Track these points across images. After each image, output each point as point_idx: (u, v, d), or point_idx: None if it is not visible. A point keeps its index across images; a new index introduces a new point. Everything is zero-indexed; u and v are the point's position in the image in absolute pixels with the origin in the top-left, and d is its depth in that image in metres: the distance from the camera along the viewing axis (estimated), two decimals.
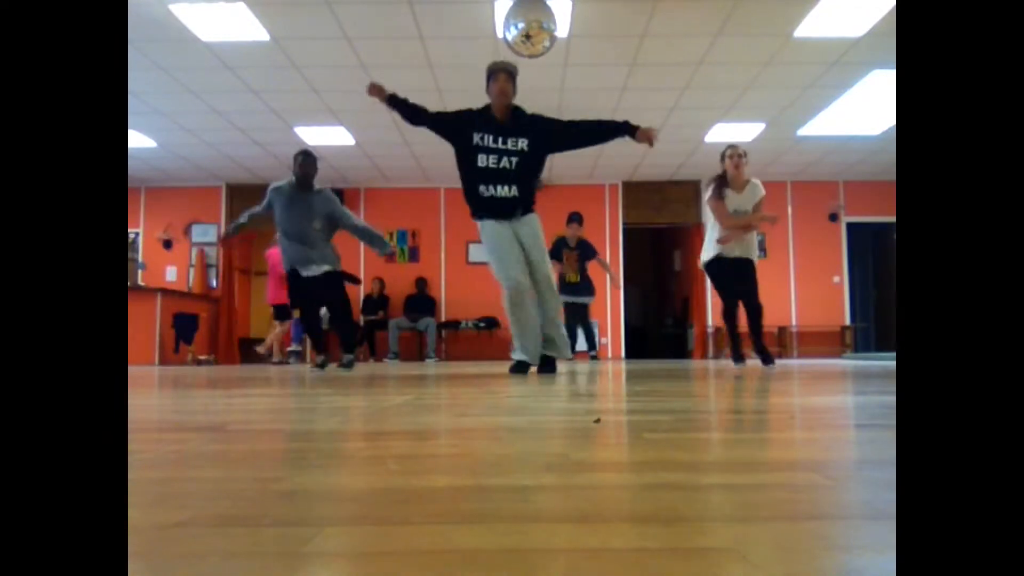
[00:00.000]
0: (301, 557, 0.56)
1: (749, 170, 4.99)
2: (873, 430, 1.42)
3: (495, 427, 1.45)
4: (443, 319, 10.31)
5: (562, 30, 5.63)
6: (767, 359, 4.88)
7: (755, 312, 4.92)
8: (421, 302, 10.03)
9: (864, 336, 11.22)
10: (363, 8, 5.45)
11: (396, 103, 4.09)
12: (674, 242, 12.10)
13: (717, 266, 4.95)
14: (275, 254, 8.58)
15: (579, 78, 6.81)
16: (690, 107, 7.61)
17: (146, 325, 8.56)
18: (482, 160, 3.93)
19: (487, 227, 4.03)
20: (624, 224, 10.60)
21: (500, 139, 3.93)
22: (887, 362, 6.60)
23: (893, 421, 1.51)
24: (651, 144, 3.98)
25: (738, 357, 5.06)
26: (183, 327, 9.18)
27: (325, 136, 8.45)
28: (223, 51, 6.16)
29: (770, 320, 10.35)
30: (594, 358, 7.86)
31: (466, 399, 2.26)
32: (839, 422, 1.60)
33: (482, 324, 10.15)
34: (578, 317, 7.67)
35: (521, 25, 4.73)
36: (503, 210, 3.98)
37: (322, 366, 5.32)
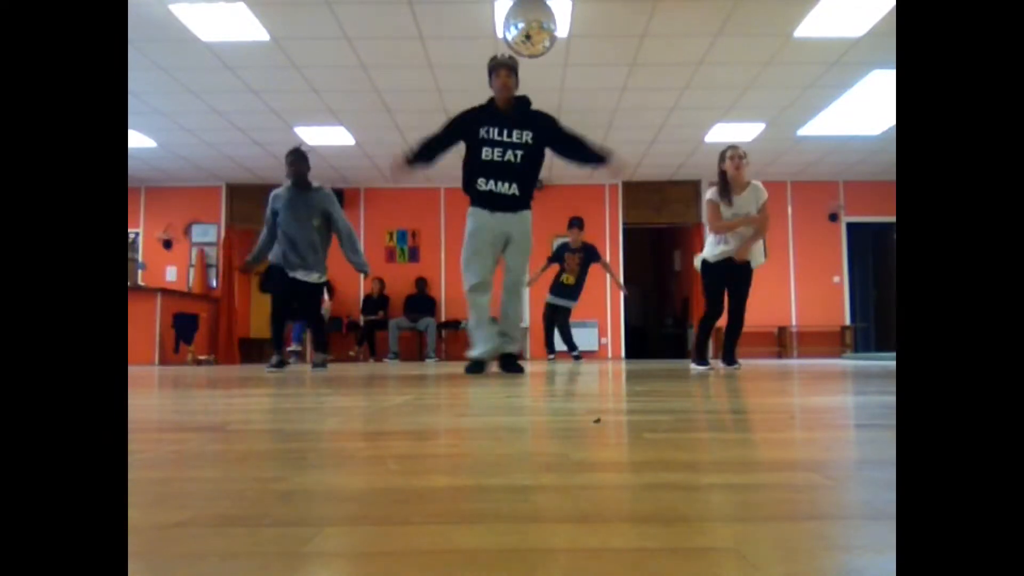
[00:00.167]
0: (301, 557, 0.56)
1: (749, 171, 4.97)
2: (873, 430, 1.42)
3: (495, 427, 1.45)
4: (443, 319, 10.31)
5: (562, 30, 5.63)
6: (732, 362, 4.89)
7: (737, 320, 4.90)
8: (421, 302, 10.03)
9: (864, 336, 11.22)
10: (363, 8, 5.45)
11: (415, 158, 4.12)
12: (674, 242, 12.11)
13: (714, 269, 4.92)
14: None
15: (579, 78, 6.81)
16: (690, 107, 7.61)
17: (146, 325, 8.56)
18: (486, 153, 3.93)
19: (476, 215, 4.02)
20: (624, 224, 10.60)
21: (505, 131, 3.93)
22: (887, 362, 6.60)
23: (893, 421, 1.51)
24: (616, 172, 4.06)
25: (702, 360, 4.98)
26: (183, 327, 9.18)
27: (325, 136, 8.45)
28: (223, 51, 6.16)
29: (770, 320, 10.43)
30: (577, 358, 7.79)
31: (466, 399, 2.26)
32: (839, 422, 1.60)
33: None
34: (557, 320, 7.69)
35: (521, 25, 4.73)
36: (499, 204, 3.98)
37: (280, 365, 5.26)
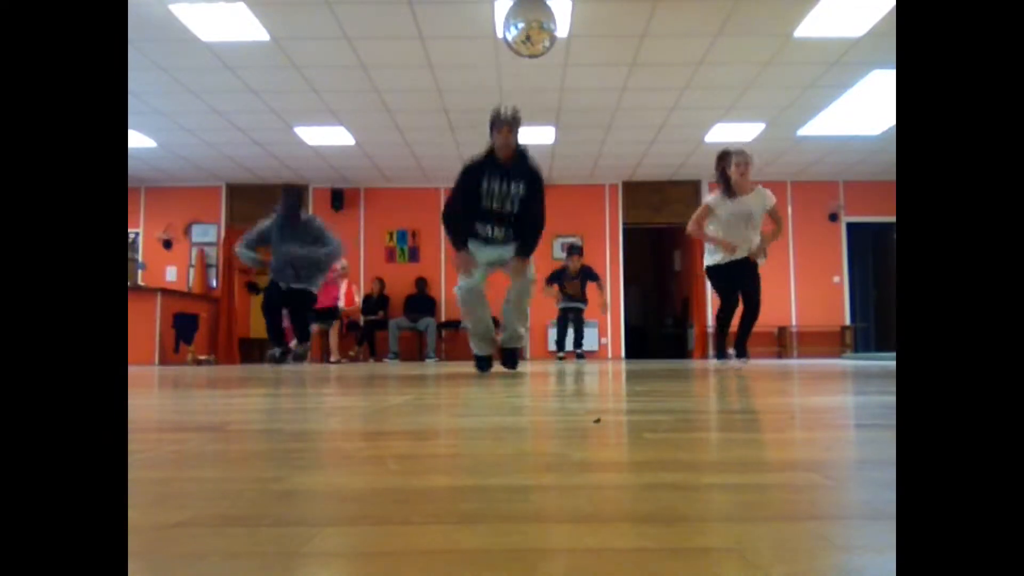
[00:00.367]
0: (301, 557, 0.56)
1: (751, 171, 5.00)
2: (873, 430, 1.42)
3: (495, 427, 1.45)
4: (443, 319, 10.31)
5: (562, 30, 5.63)
6: (743, 354, 4.92)
7: (753, 312, 4.94)
8: (421, 302, 10.02)
9: (864, 336, 11.22)
10: (363, 8, 5.45)
11: (456, 236, 4.23)
12: (674, 242, 12.10)
13: (718, 271, 4.97)
14: None
15: (579, 78, 6.81)
16: (690, 107, 7.61)
17: (146, 325, 8.56)
18: (487, 202, 4.11)
19: (471, 247, 4.17)
20: (624, 224, 10.60)
21: (505, 184, 4.11)
22: (887, 362, 6.60)
23: (893, 421, 1.50)
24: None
25: (723, 354, 5.07)
26: (183, 327, 9.18)
27: (325, 136, 8.45)
28: (223, 51, 6.16)
29: (770, 320, 10.41)
30: (580, 356, 8.31)
31: (466, 399, 2.26)
32: (839, 422, 1.60)
33: None
34: (572, 321, 8.28)
35: (521, 25, 4.73)
36: (492, 242, 4.19)
37: (281, 358, 5.65)
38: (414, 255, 10.58)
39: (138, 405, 2.15)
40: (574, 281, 8.17)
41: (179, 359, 9.02)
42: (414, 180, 10.44)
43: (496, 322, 4.46)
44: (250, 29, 5.73)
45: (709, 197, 4.98)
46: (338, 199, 10.52)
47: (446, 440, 1.30)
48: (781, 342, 10.25)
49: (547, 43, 4.85)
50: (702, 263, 5.29)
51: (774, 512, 0.70)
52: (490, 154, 4.17)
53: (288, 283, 5.56)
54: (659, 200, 10.60)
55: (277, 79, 6.77)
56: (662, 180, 10.50)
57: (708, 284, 5.20)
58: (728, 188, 4.83)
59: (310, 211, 10.59)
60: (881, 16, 5.56)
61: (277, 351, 5.65)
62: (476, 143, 9.04)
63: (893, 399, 2.08)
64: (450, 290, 10.35)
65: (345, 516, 0.70)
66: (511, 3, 4.84)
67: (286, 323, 5.97)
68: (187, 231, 10.61)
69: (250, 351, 10.76)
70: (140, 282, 9.87)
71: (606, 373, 4.57)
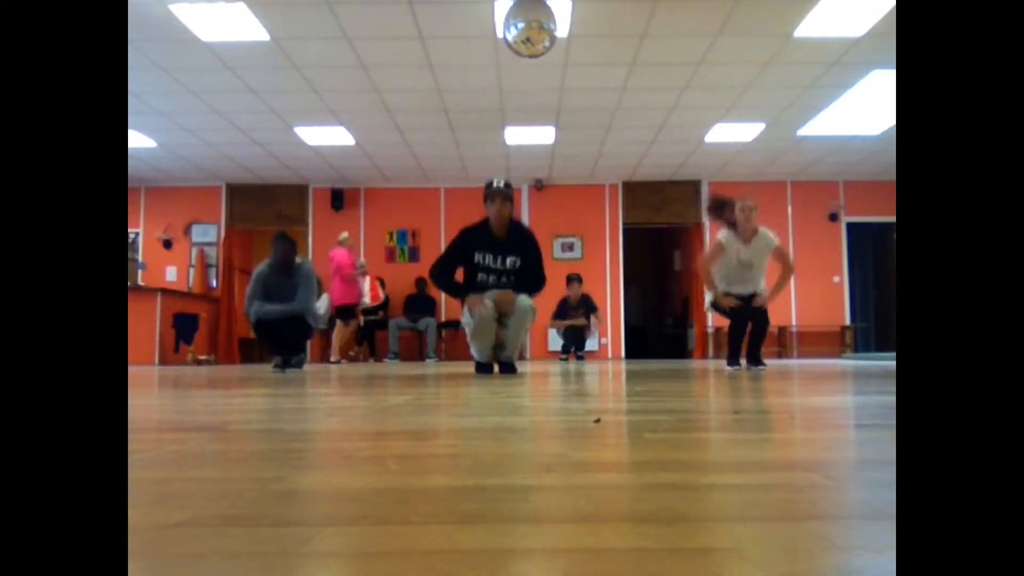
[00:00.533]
0: (301, 557, 0.56)
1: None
2: (873, 430, 1.42)
3: (495, 427, 1.45)
4: (443, 319, 10.31)
5: (562, 30, 5.63)
6: (758, 363, 4.97)
7: (763, 328, 5.06)
8: (421, 302, 10.02)
9: (864, 336, 11.22)
10: (363, 8, 5.45)
11: (455, 291, 4.32)
12: (674, 242, 12.10)
13: (722, 308, 5.09)
14: (339, 255, 8.70)
15: (579, 78, 6.81)
16: (690, 107, 7.61)
17: (146, 325, 8.56)
18: (482, 277, 4.22)
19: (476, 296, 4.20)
20: (624, 224, 10.60)
21: (499, 259, 4.20)
22: (887, 362, 6.60)
23: (893, 421, 1.50)
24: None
25: (734, 361, 5.13)
26: (183, 327, 9.17)
27: (325, 136, 8.45)
28: (223, 51, 6.16)
29: (770, 320, 10.37)
30: (580, 357, 8.84)
31: (466, 399, 2.26)
32: (839, 422, 1.60)
33: None
34: (576, 334, 8.92)
35: (521, 25, 4.73)
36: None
37: (284, 365, 5.65)
38: (414, 255, 10.57)
39: (138, 405, 2.15)
40: (576, 313, 8.78)
41: (179, 359, 9.02)
42: (414, 180, 10.43)
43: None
44: (250, 29, 5.73)
45: (721, 234, 5.04)
46: (338, 199, 10.52)
47: (446, 440, 1.30)
48: (781, 342, 10.25)
49: (547, 43, 4.85)
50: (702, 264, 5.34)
51: (774, 512, 0.70)
52: (485, 223, 4.24)
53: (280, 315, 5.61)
54: (659, 200, 10.60)
55: (277, 79, 6.77)
56: (662, 180, 10.50)
57: (706, 293, 5.27)
58: (732, 233, 4.96)
59: (310, 211, 10.61)
60: (881, 16, 5.55)
61: (279, 359, 5.66)
62: (476, 143, 9.10)
63: (893, 399, 2.08)
64: None
65: (345, 516, 0.70)
66: (511, 3, 4.83)
67: None
68: (187, 231, 10.61)
69: (250, 351, 10.76)
70: (140, 282, 9.87)
71: (606, 373, 4.57)
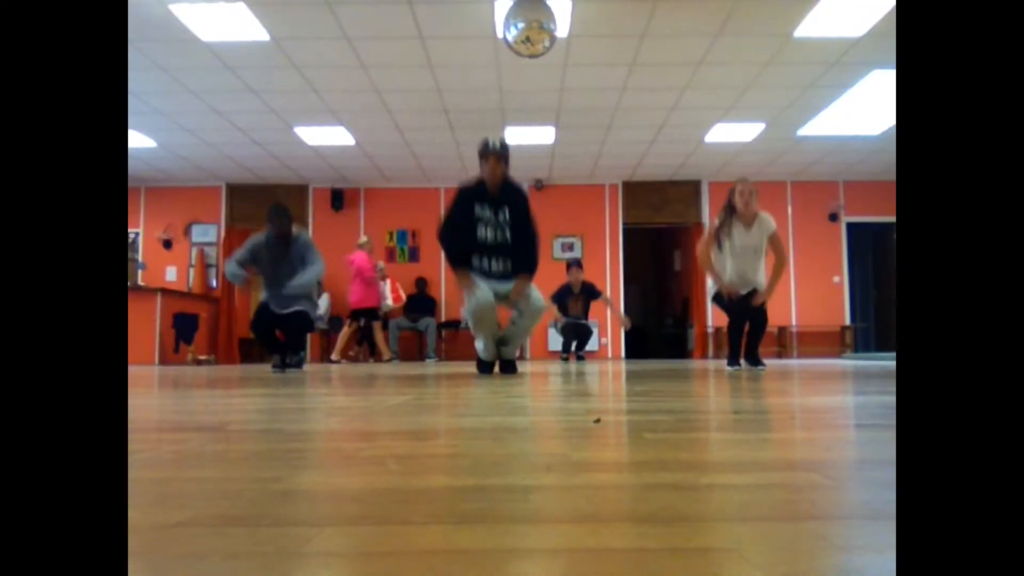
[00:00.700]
0: (301, 557, 0.56)
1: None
2: (873, 430, 1.42)
3: (495, 427, 1.45)
4: (443, 319, 10.31)
5: (562, 30, 5.63)
6: (757, 363, 4.94)
7: (761, 327, 5.00)
8: (421, 302, 10.02)
9: (864, 336, 11.22)
10: (363, 8, 5.45)
11: (455, 257, 4.27)
12: (674, 242, 12.10)
13: (724, 301, 5.04)
14: (359, 258, 8.70)
15: (579, 78, 6.81)
16: (690, 107, 7.61)
17: (146, 325, 8.55)
18: (480, 232, 4.16)
19: (474, 278, 4.14)
20: (624, 224, 10.60)
21: (495, 212, 4.18)
22: (887, 362, 6.60)
23: (893, 421, 1.50)
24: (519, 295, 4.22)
25: (734, 361, 5.09)
26: (183, 327, 9.17)
27: (325, 136, 8.45)
28: (223, 51, 6.16)
29: (770, 320, 10.36)
30: (580, 358, 8.50)
31: (466, 399, 2.26)
32: (839, 422, 1.60)
33: None
34: (578, 331, 8.42)
35: (521, 25, 4.73)
36: (492, 277, 4.18)
37: (281, 366, 5.52)
38: (414, 255, 10.57)
39: (138, 405, 2.15)
40: (577, 300, 8.29)
41: (179, 359, 9.02)
42: (414, 180, 10.43)
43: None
44: (250, 29, 5.73)
45: (717, 220, 5.01)
46: (338, 199, 10.52)
47: (446, 440, 1.30)
48: (781, 342, 10.25)
49: (547, 43, 4.85)
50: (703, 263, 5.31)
51: (774, 512, 0.70)
52: (481, 183, 4.24)
53: (281, 309, 5.44)
54: (659, 200, 10.60)
55: (277, 79, 6.77)
56: (662, 180, 10.50)
57: (708, 284, 5.20)
58: (727, 217, 4.88)
59: (310, 212, 10.61)
60: (881, 16, 5.55)
61: (277, 358, 5.54)
62: (476, 143, 9.06)
63: (893, 399, 2.08)
64: (450, 290, 10.36)
65: (345, 516, 0.70)
66: (511, 3, 4.83)
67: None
68: (187, 231, 10.61)
69: (250, 351, 10.76)
70: (140, 282, 9.87)
71: (606, 373, 4.57)
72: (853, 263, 10.73)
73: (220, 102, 7.39)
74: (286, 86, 6.93)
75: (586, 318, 8.49)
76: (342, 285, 10.21)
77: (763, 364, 4.99)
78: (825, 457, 1.06)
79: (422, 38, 5.93)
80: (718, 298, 5.08)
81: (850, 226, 10.59)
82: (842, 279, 10.54)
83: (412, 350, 10.03)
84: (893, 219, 10.37)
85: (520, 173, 10.15)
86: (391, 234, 10.60)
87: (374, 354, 9.91)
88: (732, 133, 8.39)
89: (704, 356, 10.32)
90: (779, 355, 10.15)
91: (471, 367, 5.92)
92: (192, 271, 10.59)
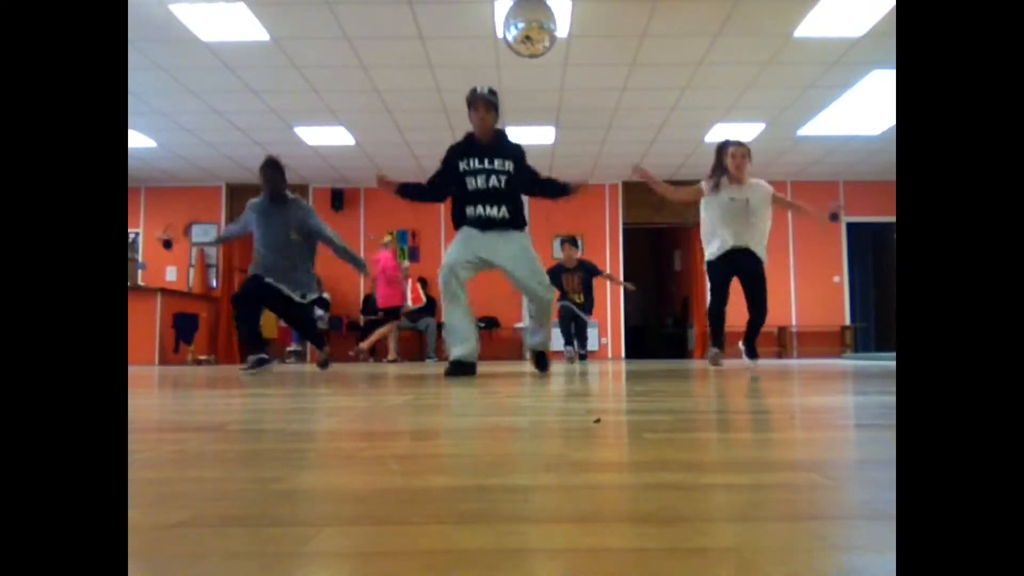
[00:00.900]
0: (301, 557, 0.56)
1: (751, 170, 4.97)
2: (873, 430, 1.42)
3: (495, 427, 1.45)
4: (443, 319, 10.30)
5: (562, 30, 5.63)
6: (753, 354, 4.83)
7: (760, 313, 4.78)
8: None
9: (864, 336, 11.22)
10: (363, 8, 5.45)
11: (407, 192, 4.24)
12: (674, 242, 12.10)
13: (717, 268, 4.87)
14: (384, 258, 8.70)
15: (579, 78, 6.81)
16: (690, 107, 7.61)
17: (146, 325, 8.55)
18: (471, 183, 3.96)
19: (466, 230, 4.01)
20: (624, 224, 10.60)
21: (486, 160, 3.98)
22: (887, 362, 6.60)
23: (893, 421, 1.50)
24: (581, 191, 4.31)
25: (717, 342, 4.93)
26: (183, 327, 9.17)
27: (325, 136, 8.45)
28: (223, 51, 6.16)
29: (770, 320, 10.33)
30: (582, 357, 8.03)
31: (466, 399, 2.26)
32: (839, 422, 1.60)
33: (482, 324, 10.14)
34: (576, 321, 7.84)
35: (521, 25, 4.73)
36: (489, 226, 3.97)
37: (259, 364, 4.73)
38: (414, 255, 10.57)
39: (138, 405, 2.15)
40: (573, 277, 7.66)
41: (179, 359, 9.02)
42: (414, 180, 10.42)
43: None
44: (250, 29, 5.73)
45: (704, 183, 4.97)
46: (338, 199, 10.53)
47: (446, 440, 1.30)
48: (781, 342, 10.25)
49: (547, 43, 4.85)
50: (702, 262, 5.21)
51: (774, 512, 0.70)
52: (469, 137, 4.09)
53: (276, 281, 4.72)
54: (659, 200, 10.58)
55: (277, 79, 6.77)
56: (662, 180, 10.50)
57: (708, 284, 5.07)
58: (719, 179, 4.80)
59: None
60: (881, 16, 5.56)
61: (252, 358, 4.65)
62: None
63: (893, 399, 2.08)
64: None
65: (345, 516, 0.70)
66: (511, 3, 4.83)
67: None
68: (187, 231, 10.61)
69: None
70: (140, 282, 9.87)
71: (606, 373, 4.57)
72: (853, 263, 10.73)
73: (220, 102, 7.39)
74: (286, 86, 6.93)
75: (588, 297, 7.80)
76: (343, 285, 10.23)
77: (757, 356, 4.87)
78: (825, 457, 1.06)
79: (422, 38, 5.93)
80: (712, 265, 4.87)
81: (850, 226, 10.59)
82: (842, 279, 10.55)
83: (412, 350, 10.03)
84: (893, 219, 10.37)
85: None
86: (391, 234, 10.60)
87: (375, 353, 9.91)
88: (732, 133, 8.37)
89: (704, 356, 10.32)
90: (779, 355, 10.15)
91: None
92: (192, 271, 10.59)
